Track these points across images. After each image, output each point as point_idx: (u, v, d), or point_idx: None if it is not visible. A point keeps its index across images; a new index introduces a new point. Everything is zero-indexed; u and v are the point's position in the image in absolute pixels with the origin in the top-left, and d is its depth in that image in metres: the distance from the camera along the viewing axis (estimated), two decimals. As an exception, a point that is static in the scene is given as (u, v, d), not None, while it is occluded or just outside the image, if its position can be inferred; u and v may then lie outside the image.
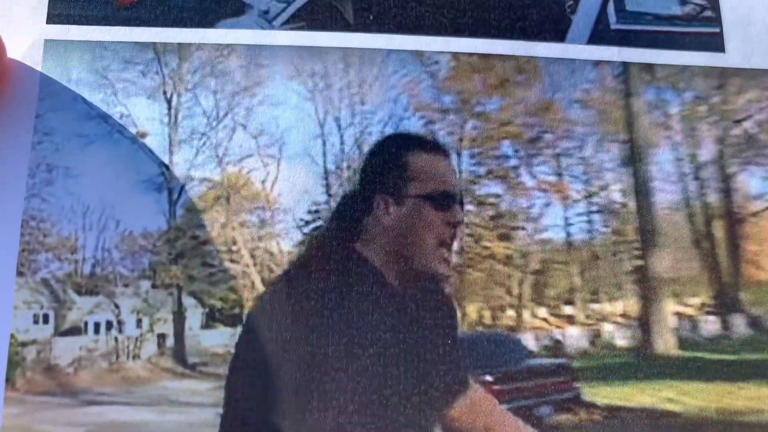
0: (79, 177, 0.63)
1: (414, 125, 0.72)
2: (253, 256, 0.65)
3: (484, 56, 0.72)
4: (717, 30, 0.77)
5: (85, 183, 0.63)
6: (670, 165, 0.73)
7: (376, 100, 0.70)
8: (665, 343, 0.69)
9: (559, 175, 0.72)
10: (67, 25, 0.65)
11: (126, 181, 0.63)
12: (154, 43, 0.66)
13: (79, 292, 0.62)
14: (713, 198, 0.74)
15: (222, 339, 0.65)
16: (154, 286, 0.62)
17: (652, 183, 0.73)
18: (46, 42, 0.63)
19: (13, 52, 0.64)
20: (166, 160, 0.65)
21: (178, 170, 0.65)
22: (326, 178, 0.69)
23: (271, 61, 0.68)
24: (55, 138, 0.63)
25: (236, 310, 0.65)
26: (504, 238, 0.70)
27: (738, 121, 0.77)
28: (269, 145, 0.67)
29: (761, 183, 0.73)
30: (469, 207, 0.73)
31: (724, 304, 0.72)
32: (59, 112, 0.63)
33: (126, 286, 0.62)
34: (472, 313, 0.72)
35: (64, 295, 0.61)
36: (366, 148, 0.71)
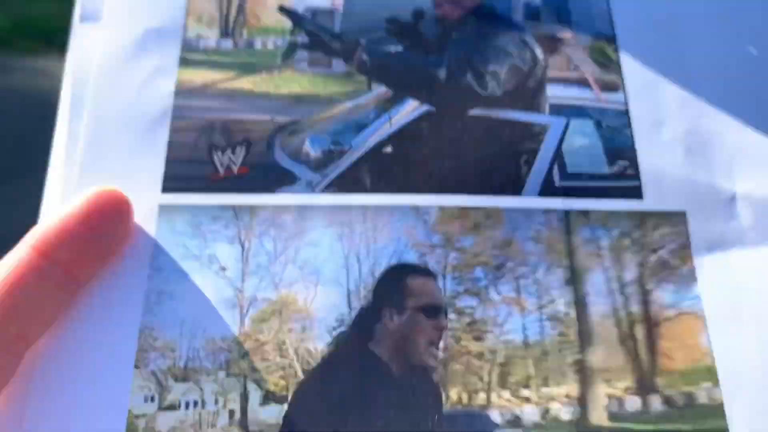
0: (179, 300, 0.90)
1: (412, 257, 0.98)
2: (296, 353, 0.90)
3: (462, 208, 0.98)
4: (637, 183, 0.99)
5: (183, 304, 0.90)
6: (602, 284, 0.96)
7: (385, 240, 0.97)
8: (599, 417, 0.90)
9: (518, 292, 0.96)
10: (175, 193, 0.94)
11: (211, 301, 0.90)
12: (233, 205, 0.94)
13: (176, 380, 0.87)
14: (635, 308, 0.92)
15: (275, 413, 0.89)
16: (227, 375, 0.88)
17: (588, 297, 0.95)
18: (160, 206, 0.92)
19: (135, 214, 0.91)
20: (239, 287, 0.92)
21: (247, 293, 0.92)
22: (348, 297, 0.95)
23: (313, 215, 0.96)
24: (164, 273, 0.91)
25: (284, 393, 0.90)
26: (477, 339, 0.94)
27: (654, 250, 1.00)
28: (310, 274, 0.93)
29: (672, 295, 0.94)
30: (451, 315, 0.97)
31: (644, 387, 0.88)
32: (168, 255, 0.91)
33: (208, 375, 0.88)
34: (453, 395, 0.95)
35: (166, 382, 0.86)
36: (377, 275, 0.97)
